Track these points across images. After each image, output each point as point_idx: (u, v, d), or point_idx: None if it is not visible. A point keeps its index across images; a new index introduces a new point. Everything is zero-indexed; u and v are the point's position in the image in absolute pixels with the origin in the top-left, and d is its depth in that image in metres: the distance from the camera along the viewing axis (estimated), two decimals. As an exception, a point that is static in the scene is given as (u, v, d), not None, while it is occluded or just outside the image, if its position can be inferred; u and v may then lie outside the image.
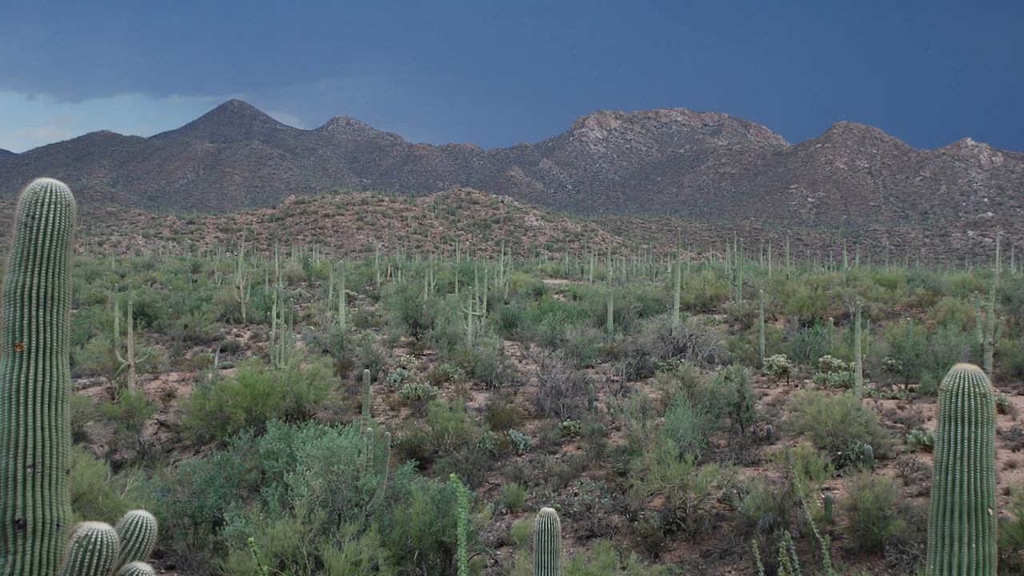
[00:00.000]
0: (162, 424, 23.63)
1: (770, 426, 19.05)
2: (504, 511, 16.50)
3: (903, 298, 36.26)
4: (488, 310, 39.23)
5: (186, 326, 35.39)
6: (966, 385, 5.63)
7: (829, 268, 74.37)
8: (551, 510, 6.76)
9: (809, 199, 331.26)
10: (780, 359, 24.28)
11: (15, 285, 5.67)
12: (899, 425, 18.78)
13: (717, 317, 38.08)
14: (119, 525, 5.91)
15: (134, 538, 5.88)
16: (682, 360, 24.25)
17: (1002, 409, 19.14)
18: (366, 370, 15.65)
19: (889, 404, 20.79)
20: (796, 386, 23.38)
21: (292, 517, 11.84)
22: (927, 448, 16.80)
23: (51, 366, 5.72)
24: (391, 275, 66.38)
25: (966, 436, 5.59)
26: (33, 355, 5.66)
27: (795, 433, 17.69)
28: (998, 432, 17.23)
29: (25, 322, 5.66)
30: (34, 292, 5.68)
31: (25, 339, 5.65)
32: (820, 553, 12.57)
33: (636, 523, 14.87)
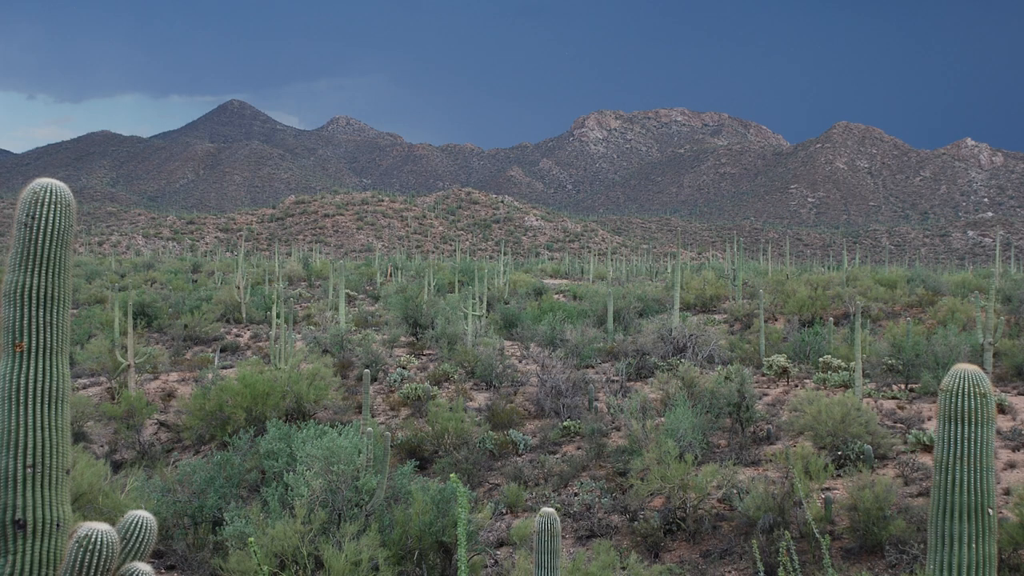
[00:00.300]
0: (162, 424, 23.63)
1: (770, 426, 19.05)
2: (504, 511, 16.50)
3: (903, 298, 36.26)
4: (488, 310, 39.23)
5: (186, 326, 35.39)
6: (966, 385, 5.63)
7: (829, 268, 74.38)
8: (551, 510, 6.76)
9: (809, 199, 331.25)
10: (780, 359, 24.28)
11: (15, 285, 5.67)
12: (899, 425, 18.78)
13: (717, 317, 38.08)
14: (119, 525, 5.91)
15: (134, 538, 5.88)
16: (682, 360, 24.25)
17: (1002, 409, 19.14)
18: (366, 370, 15.65)
19: (889, 404, 20.79)
20: (796, 386, 23.38)
21: (292, 517, 11.84)
22: (927, 448, 16.80)
23: (51, 366, 5.72)
24: (391, 275, 66.39)
25: (966, 436, 5.59)
26: (33, 355, 5.66)
27: (795, 433, 17.69)
28: (998, 432, 17.23)
29: (25, 322, 5.66)
30: (34, 292, 5.68)
31: (25, 339, 5.65)
32: (820, 553, 12.57)
33: (636, 523, 14.87)
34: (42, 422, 5.67)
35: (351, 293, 51.71)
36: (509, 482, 17.70)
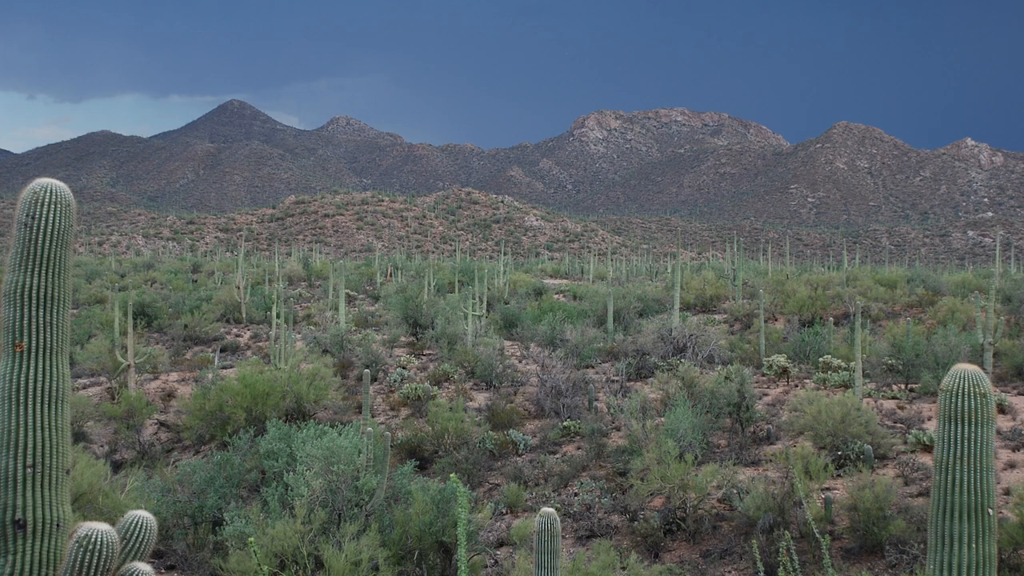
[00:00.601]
0: (162, 424, 23.63)
1: (770, 426, 19.05)
2: (504, 511, 16.50)
3: (903, 298, 36.26)
4: (488, 310, 39.23)
5: (186, 326, 35.39)
6: (966, 385, 5.63)
7: (829, 268, 74.37)
8: (551, 510, 6.75)
9: (809, 199, 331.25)
10: (780, 359, 24.28)
11: (15, 285, 5.66)
12: (899, 425, 18.78)
13: (717, 317, 38.08)
14: (119, 525, 5.91)
15: (134, 538, 5.88)
16: (682, 360, 24.25)
17: (1002, 409, 19.14)
18: (366, 370, 15.65)
19: (889, 404, 20.79)
20: (796, 386, 23.37)
21: (292, 517, 11.84)
22: (927, 448, 16.80)
23: (51, 366, 5.72)
24: (391, 275, 66.38)
25: (966, 436, 5.59)
26: (33, 355, 5.66)
27: (795, 433, 17.69)
28: (998, 432, 17.23)
29: (25, 322, 5.66)
30: (34, 292, 5.67)
31: (25, 339, 5.65)
32: (820, 553, 12.57)
33: (636, 523, 14.87)
34: (42, 422, 5.67)
35: (351, 293, 51.71)
36: (509, 482, 17.70)
